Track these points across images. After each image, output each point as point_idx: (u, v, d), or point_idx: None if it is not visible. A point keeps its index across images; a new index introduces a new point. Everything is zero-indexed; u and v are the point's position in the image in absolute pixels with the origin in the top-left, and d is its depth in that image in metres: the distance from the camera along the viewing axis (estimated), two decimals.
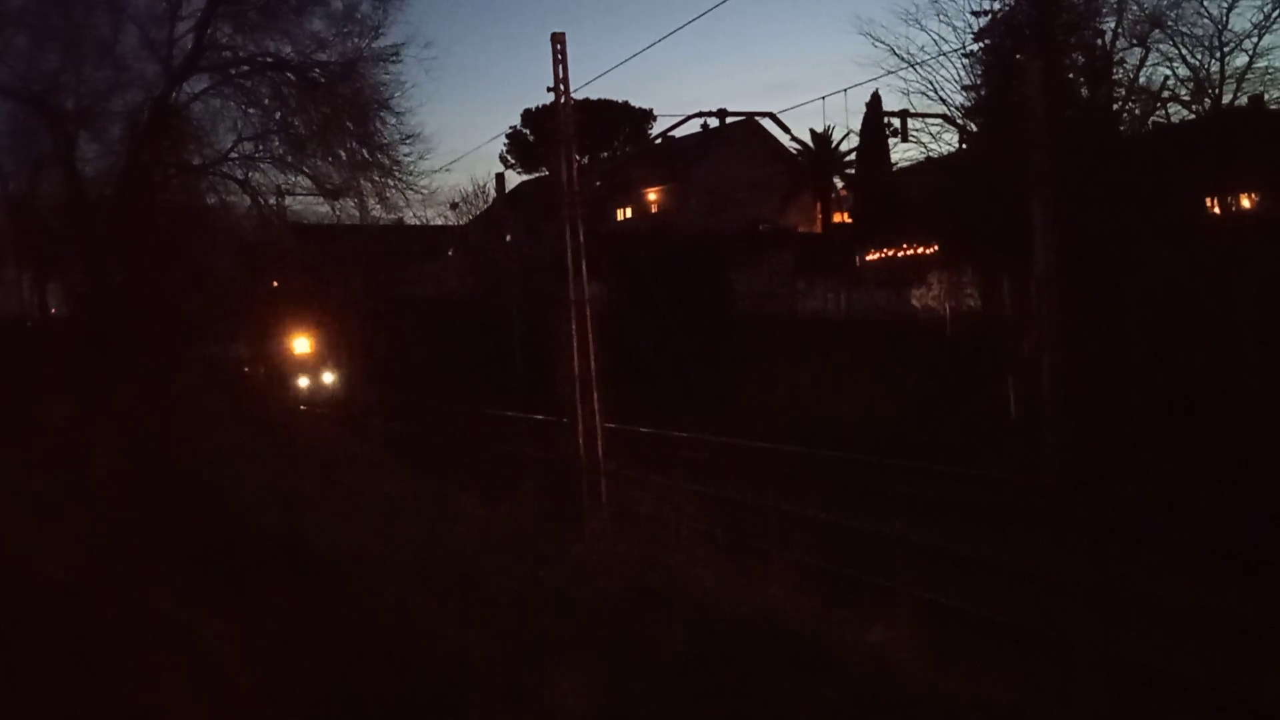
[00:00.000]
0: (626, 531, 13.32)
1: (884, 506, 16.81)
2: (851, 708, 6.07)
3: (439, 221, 43.26)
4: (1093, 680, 9.43)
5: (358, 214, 26.50)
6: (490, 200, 50.18)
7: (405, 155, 24.71)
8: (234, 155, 24.53)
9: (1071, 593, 10.53)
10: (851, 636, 7.79)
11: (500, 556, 9.19)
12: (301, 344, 39.58)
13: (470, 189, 51.14)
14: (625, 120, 53.12)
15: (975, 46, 29.47)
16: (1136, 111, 29.40)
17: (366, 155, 24.42)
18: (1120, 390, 21.11)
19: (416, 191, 25.40)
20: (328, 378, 40.20)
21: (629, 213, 55.84)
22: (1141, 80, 28.81)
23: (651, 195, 55.68)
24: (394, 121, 24.40)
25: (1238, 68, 27.73)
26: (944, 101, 30.12)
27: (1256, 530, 14.33)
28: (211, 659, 5.81)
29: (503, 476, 16.82)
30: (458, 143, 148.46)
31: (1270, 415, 18.20)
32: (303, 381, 39.53)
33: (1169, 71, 28.51)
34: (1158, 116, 29.37)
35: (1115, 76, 29.03)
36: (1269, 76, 27.71)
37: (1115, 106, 29.39)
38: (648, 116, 55.20)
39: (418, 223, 32.51)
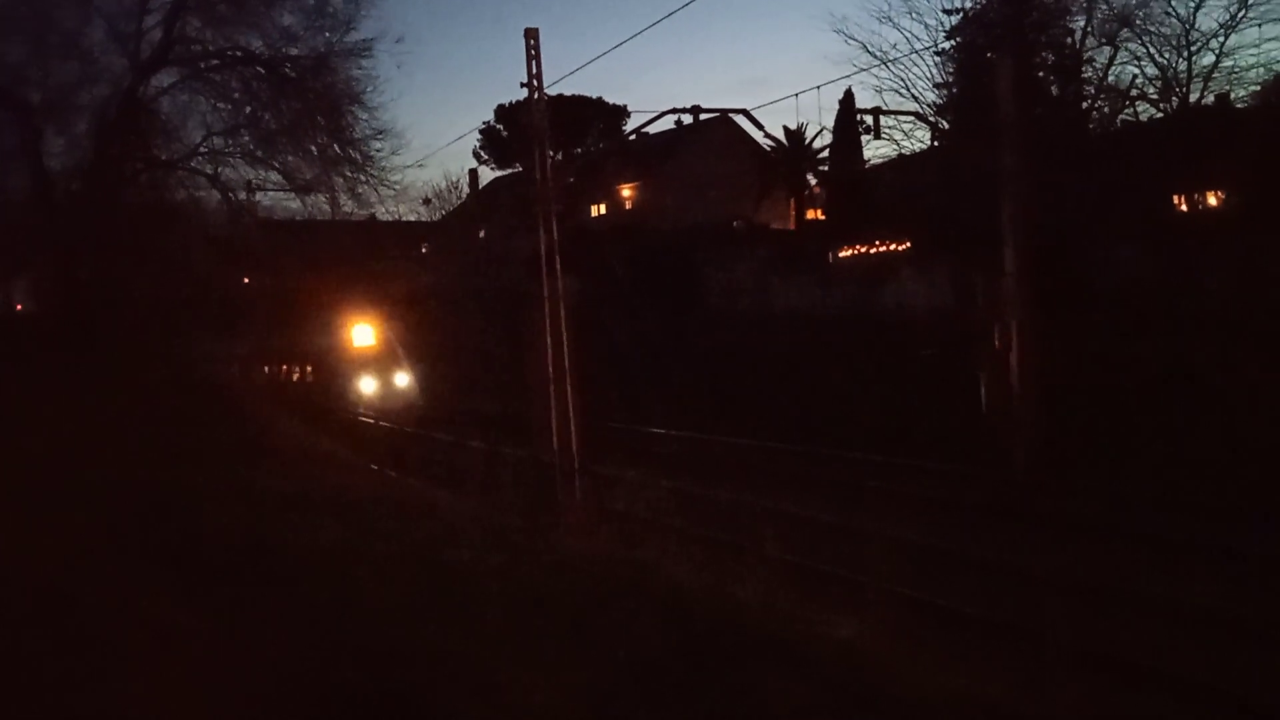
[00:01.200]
0: (602, 526, 13.40)
1: (853, 501, 17.02)
2: (826, 701, 6.14)
3: (412, 217, 42.84)
4: (1064, 670, 9.57)
5: (329, 209, 26.34)
6: (464, 196, 49.98)
7: (377, 150, 24.62)
8: (203, 150, 24.35)
9: (1037, 584, 10.69)
10: (824, 631, 7.88)
11: (478, 554, 9.22)
12: (363, 334, 31.34)
13: (444, 185, 50.88)
14: (599, 116, 52.98)
15: (947, 44, 29.80)
16: (1105, 109, 29.83)
17: (338, 150, 24.32)
18: (1091, 385, 21.35)
19: (389, 187, 25.29)
20: (401, 379, 31.87)
21: (603, 209, 55.82)
22: (1110, 78, 29.26)
23: (626, 191, 55.69)
24: (365, 117, 24.31)
25: (1205, 67, 28.22)
26: (916, 99, 30.46)
27: (1225, 523, 14.57)
28: (191, 661, 5.80)
29: (478, 474, 16.82)
30: (431, 138, 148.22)
31: (1238, 408, 18.47)
32: (367, 384, 31.63)
33: (1137, 70, 28.98)
34: (1126, 114, 29.82)
35: (1085, 75, 29.45)
36: (1235, 75, 28.23)
37: (1085, 104, 29.79)
38: (622, 113, 55.03)
39: (390, 218, 32.23)
